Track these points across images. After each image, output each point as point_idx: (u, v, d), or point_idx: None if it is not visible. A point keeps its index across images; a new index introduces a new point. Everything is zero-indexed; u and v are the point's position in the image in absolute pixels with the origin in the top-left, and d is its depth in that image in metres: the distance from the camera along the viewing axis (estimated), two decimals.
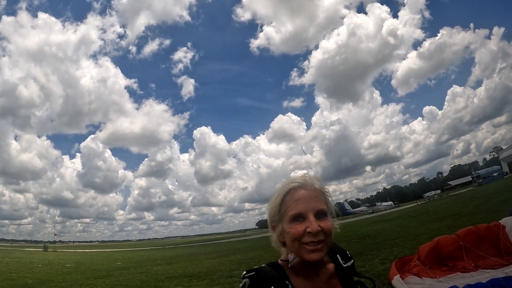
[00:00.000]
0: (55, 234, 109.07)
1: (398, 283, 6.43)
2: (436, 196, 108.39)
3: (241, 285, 1.52)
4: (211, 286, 11.92)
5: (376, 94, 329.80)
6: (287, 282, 1.47)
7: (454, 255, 7.91)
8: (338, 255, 1.67)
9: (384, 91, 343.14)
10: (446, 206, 34.90)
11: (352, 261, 1.69)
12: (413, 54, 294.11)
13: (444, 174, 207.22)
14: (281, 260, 1.62)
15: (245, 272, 1.55)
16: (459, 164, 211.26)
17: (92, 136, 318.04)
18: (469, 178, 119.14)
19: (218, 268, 18.16)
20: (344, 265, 1.65)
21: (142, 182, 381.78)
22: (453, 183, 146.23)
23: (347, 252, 1.71)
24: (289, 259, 1.56)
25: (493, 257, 7.51)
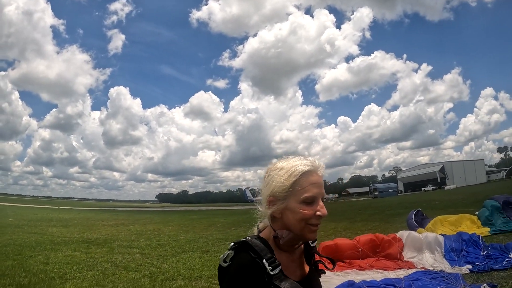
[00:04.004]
0: None
1: None
2: (333, 199, 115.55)
3: (222, 257, 1.52)
4: (111, 255, 11.93)
5: (299, 94, 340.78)
6: (273, 256, 1.50)
7: (351, 256, 8.90)
8: None
9: (306, 92, 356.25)
10: (343, 210, 37.26)
11: (316, 241, 1.77)
12: (343, 66, 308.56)
13: (344, 181, 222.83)
14: (266, 234, 1.64)
15: (232, 243, 1.54)
16: (359, 175, 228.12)
17: (2, 73, 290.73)
18: (366, 189, 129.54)
19: (117, 237, 18.16)
20: (312, 245, 1.74)
21: (46, 133, 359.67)
22: (351, 190, 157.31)
23: None
24: (281, 235, 1.58)
25: (386, 261, 8.63)
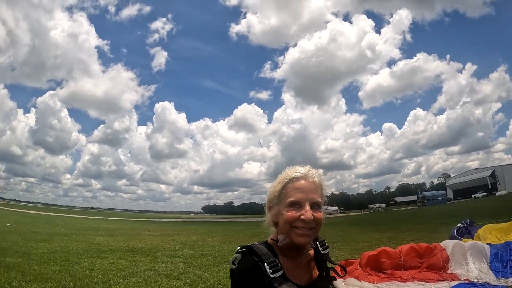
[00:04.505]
0: None
1: (339, 283, 6.94)
2: (380, 208, 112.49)
3: (231, 259, 1.66)
4: (155, 263, 12.06)
5: (342, 102, 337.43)
6: (277, 260, 1.61)
7: (393, 267, 8.56)
8: (318, 242, 1.84)
9: (350, 100, 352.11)
10: (389, 220, 36.41)
11: (328, 249, 1.89)
12: (386, 71, 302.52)
13: (391, 190, 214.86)
14: (271, 239, 1.80)
15: (239, 247, 1.68)
16: (407, 183, 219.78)
17: (52, 92, 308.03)
18: (414, 198, 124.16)
19: (161, 246, 18.33)
20: (322, 252, 1.83)
21: (94, 148, 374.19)
22: (398, 199, 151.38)
23: (324, 241, 1.89)
24: (279, 240, 1.71)
25: (429, 272, 8.24)
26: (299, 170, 1.76)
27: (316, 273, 1.81)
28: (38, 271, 9.68)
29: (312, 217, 1.61)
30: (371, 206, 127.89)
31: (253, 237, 25.58)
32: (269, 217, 1.79)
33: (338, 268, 1.90)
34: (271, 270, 1.55)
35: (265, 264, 1.57)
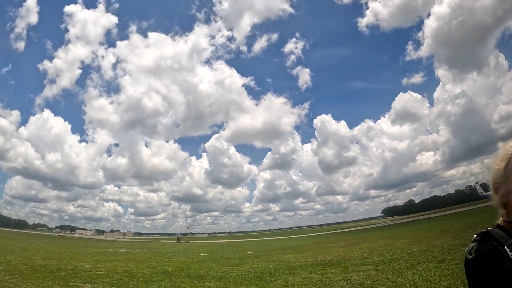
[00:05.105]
0: (187, 227, 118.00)
1: None
2: None
3: (467, 250, 1.57)
4: (346, 274, 11.85)
5: (501, 57, 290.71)
6: None
7: None
8: None
9: (509, 53, 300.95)
10: None
11: None
12: None
13: None
14: (503, 221, 1.63)
15: (475, 235, 1.60)
16: None
17: (216, 135, 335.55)
18: None
19: (349, 256, 18.07)
20: None
21: (266, 175, 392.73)
22: None
23: None
24: None
25: None
26: None
27: None
28: None
29: None
30: None
31: (443, 233, 23.95)
32: (497, 199, 1.63)
33: None
34: None
35: (505, 247, 1.44)
